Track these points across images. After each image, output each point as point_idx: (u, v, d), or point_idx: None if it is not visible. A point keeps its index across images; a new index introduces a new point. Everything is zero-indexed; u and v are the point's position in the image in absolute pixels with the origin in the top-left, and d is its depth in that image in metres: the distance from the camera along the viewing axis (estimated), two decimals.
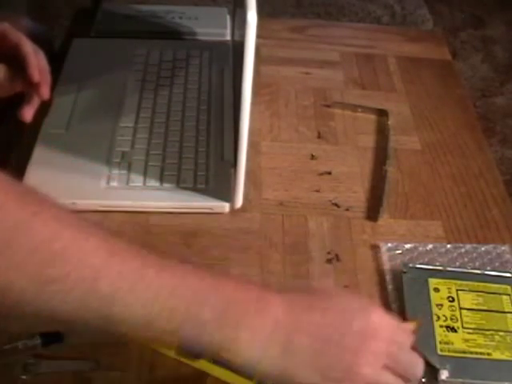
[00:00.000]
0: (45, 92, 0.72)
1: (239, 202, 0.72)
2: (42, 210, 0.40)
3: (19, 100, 0.73)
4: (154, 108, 0.83)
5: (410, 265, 0.66)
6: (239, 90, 0.61)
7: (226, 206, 0.72)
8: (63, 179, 0.72)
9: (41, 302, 0.39)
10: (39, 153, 0.76)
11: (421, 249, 0.69)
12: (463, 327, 0.61)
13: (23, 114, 0.72)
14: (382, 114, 0.89)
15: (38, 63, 0.71)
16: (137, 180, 0.73)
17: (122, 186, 0.73)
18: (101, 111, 0.83)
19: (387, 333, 0.47)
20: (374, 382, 0.46)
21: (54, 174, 0.73)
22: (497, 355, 0.59)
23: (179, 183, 0.73)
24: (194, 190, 0.72)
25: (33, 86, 0.71)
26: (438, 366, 0.57)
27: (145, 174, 0.74)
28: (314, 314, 0.46)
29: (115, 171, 0.74)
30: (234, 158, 0.70)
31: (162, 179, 0.73)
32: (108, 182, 0.73)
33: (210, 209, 0.72)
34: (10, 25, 0.71)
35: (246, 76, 0.60)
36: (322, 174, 0.79)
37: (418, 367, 0.48)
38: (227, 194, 0.72)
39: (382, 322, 0.47)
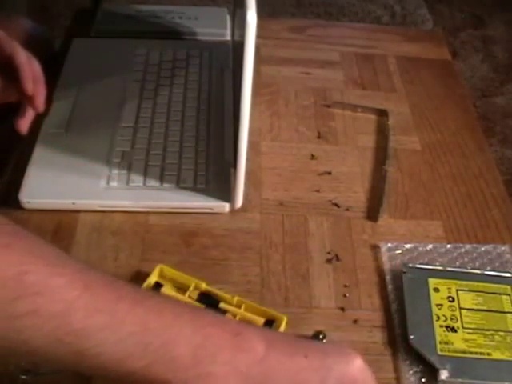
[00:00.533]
0: (39, 105, 0.71)
1: (239, 202, 0.72)
2: (14, 242, 0.39)
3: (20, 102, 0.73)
4: (154, 108, 0.83)
5: (410, 265, 0.66)
6: (239, 90, 0.61)
7: (226, 206, 0.72)
8: (63, 179, 0.72)
9: (12, 335, 0.38)
10: (39, 153, 0.76)
11: (421, 249, 0.69)
12: (463, 327, 0.61)
13: (19, 126, 0.72)
14: (382, 113, 0.89)
15: (32, 74, 0.69)
16: (137, 180, 0.73)
17: (122, 186, 0.73)
18: (101, 111, 0.83)
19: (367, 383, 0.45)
20: None
21: (54, 174, 0.73)
22: (497, 355, 0.59)
23: (179, 183, 0.73)
24: (194, 190, 0.72)
25: (27, 98, 0.70)
26: (437, 366, 0.57)
27: (145, 174, 0.74)
28: (295, 356, 0.44)
29: (115, 171, 0.74)
30: (233, 158, 0.69)
31: (162, 179, 0.73)
32: (108, 182, 0.73)
33: (210, 209, 0.72)
34: (4, 33, 0.70)
35: (246, 76, 0.60)
36: (322, 174, 0.79)
37: None
38: (227, 194, 0.72)
39: (363, 370, 0.45)
